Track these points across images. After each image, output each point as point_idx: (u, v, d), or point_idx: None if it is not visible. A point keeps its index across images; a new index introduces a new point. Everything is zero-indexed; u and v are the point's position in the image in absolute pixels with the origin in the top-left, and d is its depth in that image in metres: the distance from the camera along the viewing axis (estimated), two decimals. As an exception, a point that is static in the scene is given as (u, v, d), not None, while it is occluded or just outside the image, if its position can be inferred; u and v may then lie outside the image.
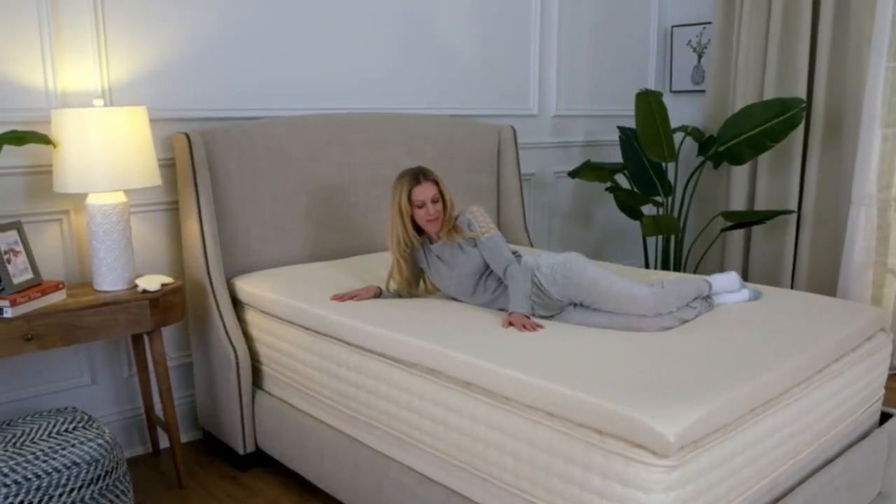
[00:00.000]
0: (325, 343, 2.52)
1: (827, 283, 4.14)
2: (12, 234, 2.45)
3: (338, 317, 2.47)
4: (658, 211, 4.08)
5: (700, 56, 4.63)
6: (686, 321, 2.41)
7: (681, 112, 4.73)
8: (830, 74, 4.00)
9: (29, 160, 2.63)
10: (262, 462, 2.90)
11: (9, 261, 2.39)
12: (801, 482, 2.15)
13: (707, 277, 2.66)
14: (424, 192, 2.54)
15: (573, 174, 3.95)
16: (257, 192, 3.03)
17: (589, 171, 3.87)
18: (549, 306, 2.51)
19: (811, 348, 2.14)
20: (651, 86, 4.79)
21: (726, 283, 2.67)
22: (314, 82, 3.32)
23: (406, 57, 3.63)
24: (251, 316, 2.88)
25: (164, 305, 2.62)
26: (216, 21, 3.01)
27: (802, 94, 4.05)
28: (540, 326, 2.35)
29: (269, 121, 3.08)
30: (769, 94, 4.13)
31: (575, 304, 2.50)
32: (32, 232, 2.68)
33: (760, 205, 4.28)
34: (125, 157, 2.55)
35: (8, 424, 2.41)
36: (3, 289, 2.36)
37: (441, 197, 2.56)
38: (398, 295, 2.76)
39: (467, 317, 2.45)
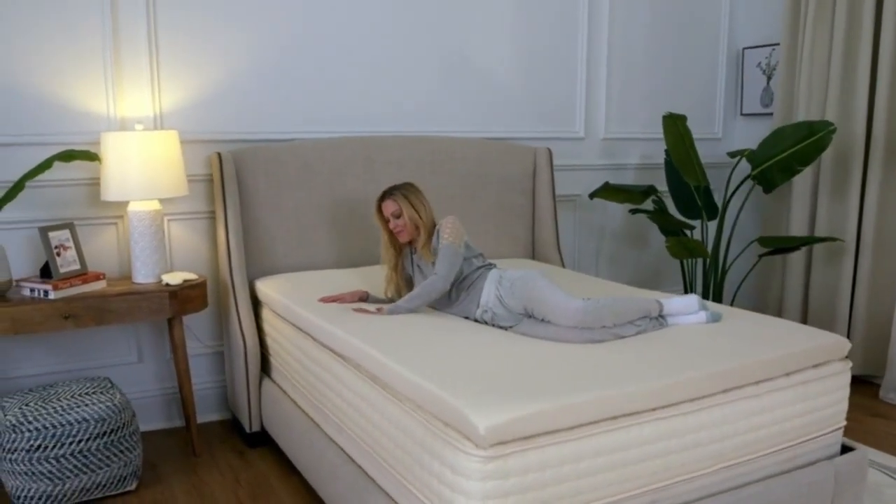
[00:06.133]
0: (301, 337, 2.87)
1: (887, 314, 3.89)
2: (65, 233, 3.03)
3: (306, 313, 2.81)
4: (690, 234, 4.04)
5: (769, 78, 4.51)
6: (623, 337, 2.49)
7: (750, 135, 4.63)
8: (891, 97, 3.78)
9: (92, 173, 3.22)
10: (269, 442, 3.29)
11: (58, 254, 2.97)
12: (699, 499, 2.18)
13: (661, 298, 2.71)
14: (386, 208, 2.88)
15: (592, 195, 4.02)
16: (283, 205, 3.45)
17: (609, 192, 3.93)
18: (508, 317, 2.68)
19: (710, 368, 2.17)
20: (720, 109, 4.73)
21: (683, 305, 2.69)
22: (349, 109, 3.70)
23: (444, 82, 3.91)
24: (265, 313, 3.30)
25: (183, 297, 3.09)
26: (256, 54, 3.48)
27: (863, 118, 3.87)
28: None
29: (297, 142, 3.51)
30: (830, 117, 3.97)
31: (529, 316, 2.67)
32: (93, 233, 3.28)
33: (821, 231, 4.10)
34: (157, 172, 3.06)
35: (50, 385, 2.97)
36: (51, 276, 2.94)
37: (402, 213, 2.84)
38: (391, 301, 3.05)
39: (414, 321, 2.68)
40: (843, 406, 2.51)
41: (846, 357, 2.52)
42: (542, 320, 2.58)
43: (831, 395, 2.46)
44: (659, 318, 2.64)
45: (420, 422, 2.03)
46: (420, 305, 2.80)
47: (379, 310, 2.78)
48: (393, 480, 2.18)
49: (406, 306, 2.78)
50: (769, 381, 2.30)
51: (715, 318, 2.67)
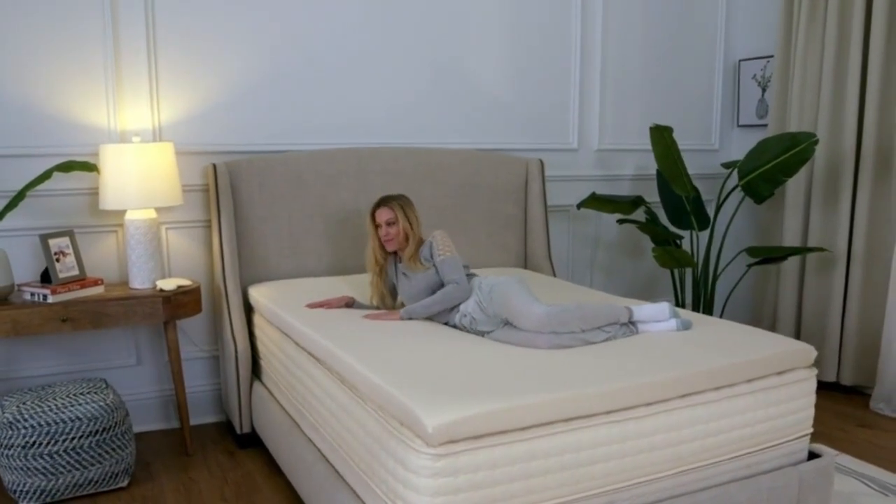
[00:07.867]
0: (284, 340, 2.98)
1: (877, 325, 3.90)
2: (64, 240, 3.18)
3: (288, 316, 2.92)
4: (680, 244, 4.08)
5: (764, 89, 4.54)
6: (592, 343, 2.55)
7: (746, 146, 4.63)
8: (880, 110, 3.81)
9: (91, 184, 3.36)
10: (259, 443, 3.39)
11: (58, 260, 3.12)
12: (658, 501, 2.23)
13: (631, 305, 2.76)
14: (381, 215, 2.99)
15: (580, 206, 4.08)
16: (275, 214, 3.57)
17: (597, 202, 3.99)
18: (487, 322, 2.75)
19: (665, 373, 2.22)
20: (717, 120, 4.76)
21: (654, 312, 2.73)
22: (341, 121, 3.81)
23: (437, 93, 4.00)
24: (256, 318, 3.41)
25: (176, 302, 3.22)
26: (251, 70, 3.61)
27: (852, 130, 3.90)
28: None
29: (289, 154, 3.62)
30: (822, 130, 4.00)
31: (507, 323, 2.74)
32: (95, 240, 3.42)
33: (813, 242, 4.12)
34: (153, 182, 3.20)
35: (49, 386, 3.11)
36: (50, 281, 3.08)
37: (396, 221, 2.95)
38: (377, 307, 3.14)
39: (387, 325, 2.77)
40: (809, 413, 2.54)
41: (812, 365, 2.55)
42: (512, 326, 2.65)
43: (796, 401, 2.49)
44: (629, 325, 2.69)
45: (379, 421, 2.11)
46: (437, 311, 2.86)
47: (391, 314, 2.90)
48: (358, 478, 2.26)
49: (423, 311, 2.86)
50: (729, 387, 2.35)
51: (685, 326, 2.72)
